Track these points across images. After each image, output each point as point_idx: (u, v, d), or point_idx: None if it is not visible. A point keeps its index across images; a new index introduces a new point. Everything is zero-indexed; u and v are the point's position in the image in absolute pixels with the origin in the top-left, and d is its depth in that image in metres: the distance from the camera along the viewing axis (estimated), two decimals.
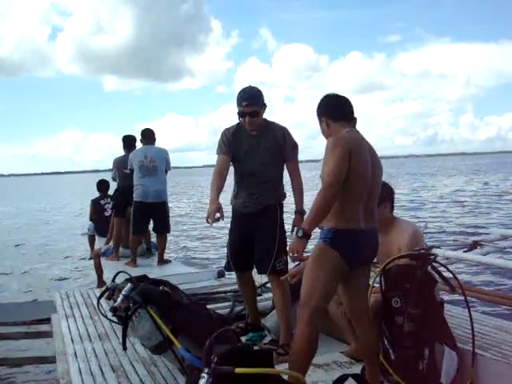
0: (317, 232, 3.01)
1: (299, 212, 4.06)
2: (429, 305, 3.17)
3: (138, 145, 7.39)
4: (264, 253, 4.04)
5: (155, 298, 3.16)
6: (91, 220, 9.31)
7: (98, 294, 4.35)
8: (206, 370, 2.25)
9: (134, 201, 7.08)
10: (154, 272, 6.31)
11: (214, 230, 14.85)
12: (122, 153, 7.85)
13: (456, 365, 3.24)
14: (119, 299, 3.21)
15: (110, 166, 8.07)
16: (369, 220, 3.04)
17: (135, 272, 4.26)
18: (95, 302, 4.59)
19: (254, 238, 4.11)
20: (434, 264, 3.24)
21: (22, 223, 24.54)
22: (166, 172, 7.28)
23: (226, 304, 5.10)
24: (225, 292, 5.60)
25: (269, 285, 4.48)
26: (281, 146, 4.03)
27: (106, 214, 8.87)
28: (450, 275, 3.29)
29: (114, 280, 3.52)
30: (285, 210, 4.19)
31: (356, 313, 3.18)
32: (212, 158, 4.27)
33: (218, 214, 3.73)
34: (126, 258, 7.41)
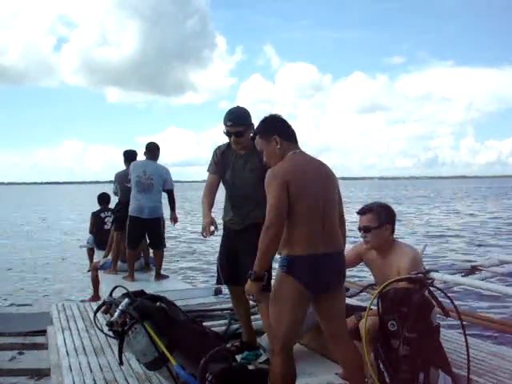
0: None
1: None
2: (425, 329, 3.18)
3: (142, 157, 7.39)
4: (246, 268, 3.99)
5: (152, 313, 3.16)
6: (91, 232, 9.31)
7: (94, 308, 4.34)
8: None
9: (129, 215, 7.10)
10: (152, 287, 6.30)
11: (212, 246, 14.84)
12: (122, 165, 7.89)
13: None
14: (116, 314, 3.22)
15: (111, 178, 8.12)
16: (328, 243, 2.99)
17: (133, 287, 4.27)
18: (92, 316, 4.57)
19: (239, 253, 4.12)
20: (430, 288, 3.24)
21: (19, 233, 24.48)
22: (168, 191, 7.29)
23: (223, 322, 5.09)
24: (221, 310, 5.59)
25: None
26: (266, 166, 3.91)
27: (106, 227, 8.89)
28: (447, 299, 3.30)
29: (111, 294, 3.52)
30: None
31: (332, 338, 3.17)
32: None
33: (212, 228, 3.97)
34: (124, 272, 7.43)
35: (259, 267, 2.92)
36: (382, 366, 3.28)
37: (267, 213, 2.90)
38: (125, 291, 3.38)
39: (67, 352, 4.47)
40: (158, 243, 7.39)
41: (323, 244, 2.96)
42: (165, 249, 7.60)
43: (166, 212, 7.46)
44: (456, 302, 3.35)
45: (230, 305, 5.48)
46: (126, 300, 3.25)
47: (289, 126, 3.23)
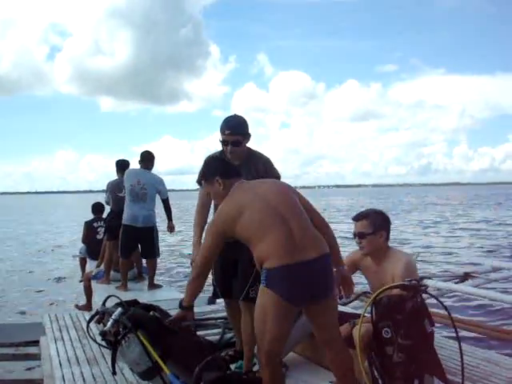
0: None
1: None
2: (419, 336, 3.17)
3: (137, 165, 7.34)
4: (240, 278, 3.95)
5: (145, 323, 3.15)
6: (83, 242, 9.28)
7: (87, 318, 4.32)
8: None
9: (122, 224, 7.08)
10: (145, 296, 6.28)
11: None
12: (115, 175, 7.88)
13: None
14: (109, 323, 3.20)
15: (104, 187, 8.10)
16: (302, 251, 2.88)
17: (126, 296, 4.24)
18: (85, 326, 4.56)
19: (233, 266, 4.01)
20: (424, 295, 3.24)
21: (10, 243, 24.37)
22: (164, 200, 7.29)
23: (216, 331, 5.08)
24: (215, 319, 5.57)
25: None
26: (262, 177, 3.77)
27: (99, 236, 8.87)
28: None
29: (104, 304, 3.50)
30: None
31: (326, 344, 3.17)
32: None
33: None
34: (117, 281, 7.40)
35: (188, 298, 3.20)
36: (376, 373, 3.28)
37: (200, 253, 3.16)
38: (118, 301, 3.36)
39: (60, 362, 4.44)
40: (152, 252, 7.37)
41: (298, 252, 2.87)
42: (158, 258, 7.59)
43: (159, 221, 7.45)
44: (449, 309, 3.36)
45: (223, 314, 5.47)
46: (119, 309, 3.24)
47: (227, 164, 3.38)
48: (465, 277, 7.58)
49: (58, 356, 4.61)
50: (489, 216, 34.78)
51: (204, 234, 3.20)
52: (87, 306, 7.88)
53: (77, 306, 8.22)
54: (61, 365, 4.38)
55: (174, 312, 3.47)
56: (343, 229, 19.61)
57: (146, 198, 7.01)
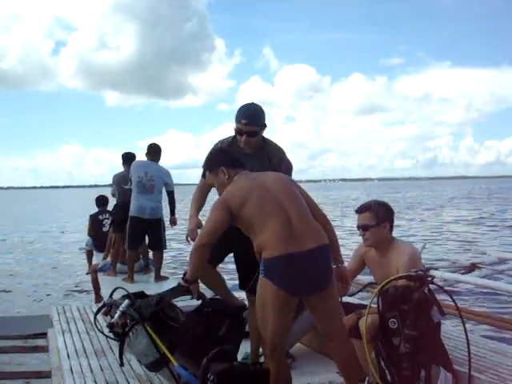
0: None
1: None
2: (426, 326, 3.17)
3: (143, 159, 7.35)
4: (246, 269, 3.85)
5: (151, 316, 3.15)
6: (89, 235, 9.30)
7: (94, 310, 4.34)
8: None
9: (129, 216, 7.08)
10: (151, 288, 6.28)
11: None
12: (121, 169, 7.89)
13: None
14: (116, 315, 3.21)
15: (110, 182, 8.11)
16: (300, 241, 2.89)
17: (132, 288, 4.25)
18: (92, 318, 4.57)
19: (238, 254, 3.92)
20: (430, 286, 3.24)
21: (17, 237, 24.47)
22: (169, 193, 7.29)
23: None
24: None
25: None
26: (275, 168, 3.72)
27: (105, 229, 8.88)
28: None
29: (111, 296, 3.51)
30: None
31: (328, 335, 3.17)
32: None
33: (198, 231, 3.67)
34: (123, 273, 7.41)
35: (190, 274, 3.16)
36: (383, 363, 3.28)
37: (202, 233, 3.11)
38: (125, 293, 3.37)
39: (68, 354, 4.47)
40: (158, 244, 7.37)
41: (295, 242, 2.88)
42: (165, 250, 7.58)
43: (165, 213, 7.45)
44: (456, 300, 3.36)
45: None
46: (127, 301, 3.25)
47: (232, 155, 3.39)
48: (471, 268, 7.58)
49: (66, 348, 4.64)
50: None
51: (209, 213, 3.11)
52: (97, 299, 7.89)
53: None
54: (69, 357, 4.41)
55: (180, 303, 3.49)
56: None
57: (154, 189, 7.01)
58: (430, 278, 3.28)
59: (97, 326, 3.68)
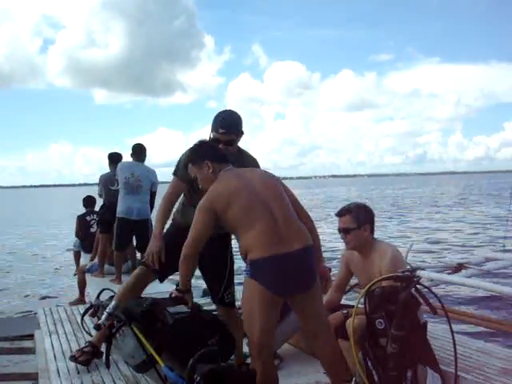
0: None
1: None
2: (412, 327, 3.18)
3: (129, 159, 7.30)
4: (213, 279, 3.89)
5: (139, 315, 3.15)
6: (77, 236, 9.26)
7: (82, 311, 4.32)
8: None
9: (117, 217, 7.05)
10: None
11: None
12: (109, 168, 7.85)
13: None
14: (103, 317, 3.21)
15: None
16: (286, 242, 2.91)
17: None
18: (79, 319, 4.56)
19: (204, 264, 3.75)
20: (417, 286, 3.25)
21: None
22: (153, 193, 7.25)
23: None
24: (210, 311, 5.56)
25: None
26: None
27: (92, 230, 8.84)
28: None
29: (98, 297, 3.51)
30: None
31: (312, 335, 3.18)
32: None
33: (162, 257, 3.79)
34: (111, 274, 7.38)
35: (182, 284, 3.17)
36: (370, 364, 3.29)
37: (189, 241, 3.03)
38: (112, 294, 3.37)
39: (55, 356, 4.45)
40: (146, 245, 7.33)
41: (282, 243, 2.90)
42: None
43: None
44: (442, 300, 3.37)
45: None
46: (113, 302, 3.24)
47: (217, 149, 3.33)
48: (458, 267, 7.59)
49: (53, 349, 4.62)
50: None
51: (195, 214, 3.06)
52: (80, 300, 7.86)
53: (71, 304, 8.20)
54: (55, 358, 4.39)
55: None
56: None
57: (141, 190, 6.99)
58: (416, 279, 3.30)
59: (84, 328, 3.68)
